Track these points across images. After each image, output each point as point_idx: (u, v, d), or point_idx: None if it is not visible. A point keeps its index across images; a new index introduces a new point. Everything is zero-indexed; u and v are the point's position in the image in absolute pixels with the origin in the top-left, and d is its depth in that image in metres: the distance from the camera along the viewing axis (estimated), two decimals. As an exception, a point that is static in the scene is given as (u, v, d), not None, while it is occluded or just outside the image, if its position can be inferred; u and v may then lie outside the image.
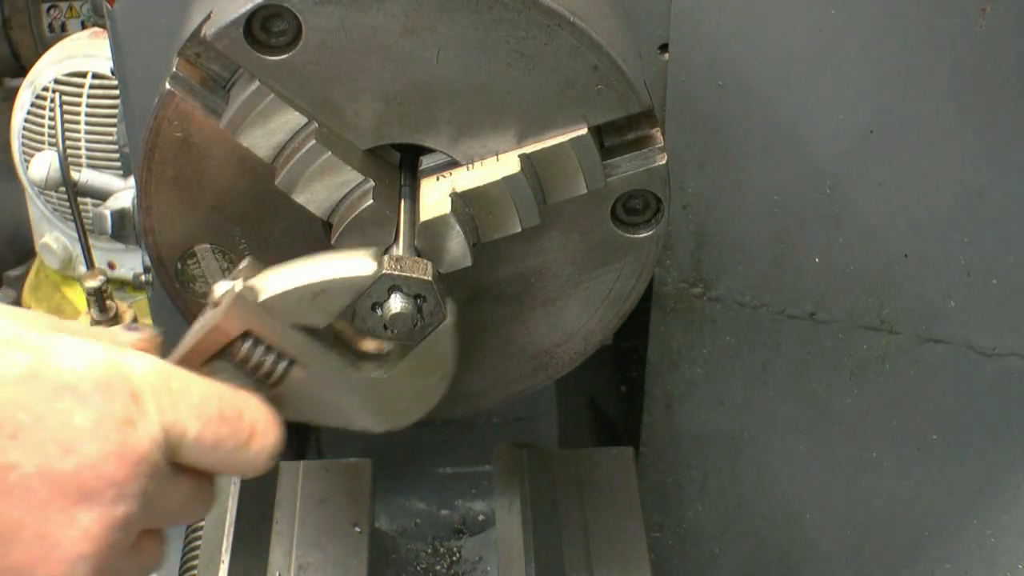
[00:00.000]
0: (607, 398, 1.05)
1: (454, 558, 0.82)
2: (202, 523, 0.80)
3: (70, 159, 1.68)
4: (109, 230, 1.29)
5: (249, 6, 0.57)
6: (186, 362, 0.59)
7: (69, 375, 0.53)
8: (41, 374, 0.52)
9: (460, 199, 0.61)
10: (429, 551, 0.82)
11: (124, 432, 0.53)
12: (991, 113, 0.79)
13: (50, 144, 2.02)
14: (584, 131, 0.61)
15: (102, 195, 1.46)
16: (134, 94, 0.79)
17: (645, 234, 0.65)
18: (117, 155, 1.83)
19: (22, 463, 0.51)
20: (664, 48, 0.79)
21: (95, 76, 2.01)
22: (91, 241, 1.57)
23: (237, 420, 0.57)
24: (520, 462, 0.81)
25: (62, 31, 2.40)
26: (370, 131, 0.62)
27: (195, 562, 0.79)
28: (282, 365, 0.60)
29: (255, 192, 0.64)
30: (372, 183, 0.61)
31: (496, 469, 0.82)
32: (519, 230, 0.63)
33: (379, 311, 0.58)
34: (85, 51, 2.06)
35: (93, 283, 1.46)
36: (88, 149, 2.01)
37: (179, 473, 0.56)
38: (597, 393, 1.05)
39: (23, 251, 2.43)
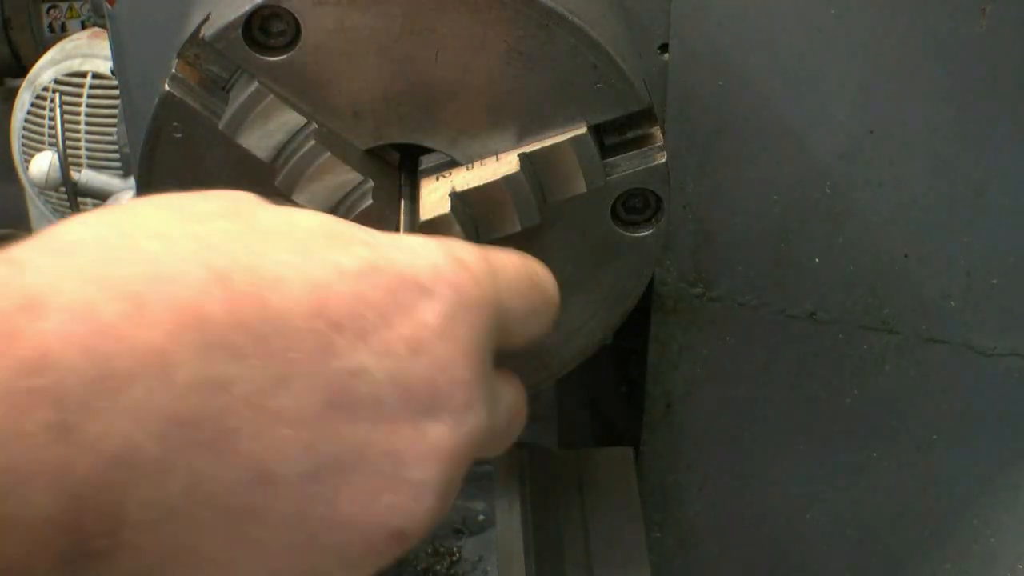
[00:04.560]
0: (607, 398, 1.05)
1: (454, 558, 0.82)
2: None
3: (70, 159, 1.68)
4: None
5: (248, 7, 0.57)
6: None
7: (406, 266, 0.45)
8: (381, 267, 0.44)
9: (460, 199, 0.61)
10: (428, 551, 0.82)
11: (470, 325, 0.46)
12: (991, 113, 0.79)
13: (50, 144, 2.03)
14: (584, 130, 0.61)
15: (102, 195, 1.46)
16: (134, 94, 0.79)
17: (645, 233, 0.65)
18: (117, 155, 1.84)
19: (371, 369, 0.43)
20: (664, 48, 0.79)
21: (95, 76, 2.02)
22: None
23: (537, 275, 0.52)
24: (520, 462, 0.81)
25: (62, 31, 2.40)
26: (370, 131, 0.62)
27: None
28: None
29: (255, 193, 0.64)
30: (372, 183, 0.61)
31: (496, 469, 0.82)
32: (519, 229, 0.63)
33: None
34: (85, 51, 2.06)
35: (93, 283, 1.46)
36: (88, 149, 2.01)
37: (498, 373, 0.49)
38: (597, 393, 1.05)
39: (23, 251, 2.43)
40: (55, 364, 0.37)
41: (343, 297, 0.43)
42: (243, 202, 0.47)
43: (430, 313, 0.45)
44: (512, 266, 0.51)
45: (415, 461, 0.44)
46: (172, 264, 0.41)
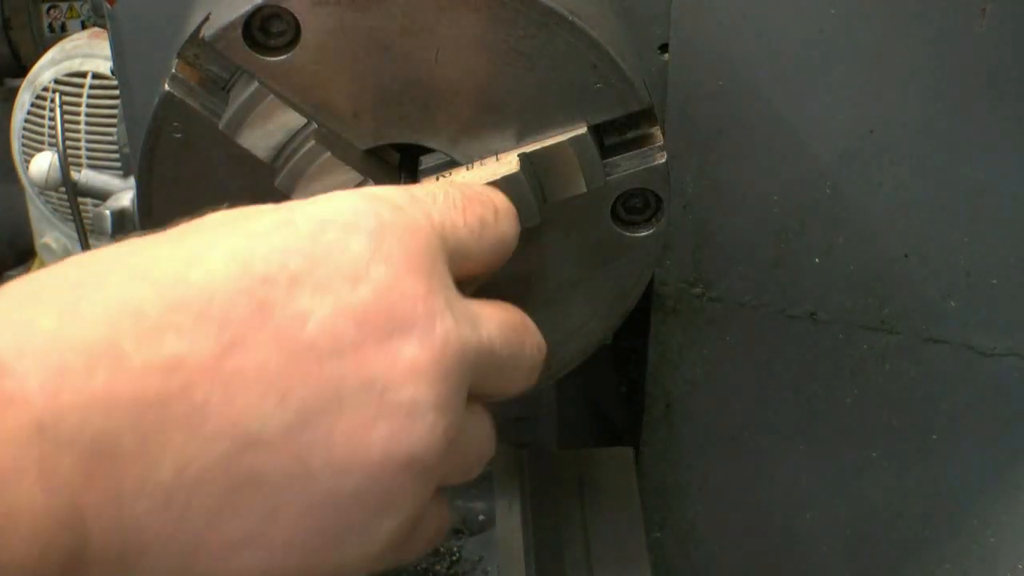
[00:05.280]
0: (607, 398, 1.05)
1: (454, 558, 0.82)
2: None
3: (70, 159, 1.68)
4: (109, 230, 1.30)
5: (248, 7, 0.57)
6: None
7: (323, 212, 0.46)
8: (294, 220, 0.46)
9: (460, 199, 0.61)
10: (428, 551, 0.82)
11: (404, 245, 0.46)
12: (991, 113, 0.79)
13: (50, 144, 2.03)
14: (584, 130, 0.61)
15: (102, 195, 1.46)
16: (134, 94, 0.79)
17: (646, 233, 0.65)
18: (117, 155, 1.84)
19: (314, 308, 0.43)
20: (664, 48, 0.79)
21: (95, 76, 2.02)
22: (91, 241, 1.57)
23: (479, 194, 0.53)
24: (520, 462, 0.81)
25: (62, 31, 2.40)
26: (369, 131, 0.62)
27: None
28: None
29: (255, 193, 0.64)
30: (372, 183, 0.61)
31: (496, 469, 0.82)
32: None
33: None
34: (85, 51, 2.06)
35: (93, 283, 1.46)
36: (88, 149, 2.01)
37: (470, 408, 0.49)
38: (597, 393, 1.05)
39: (23, 251, 2.44)
40: (12, 372, 0.38)
41: (263, 254, 0.44)
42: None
43: (357, 244, 0.45)
44: (439, 188, 0.52)
45: (397, 383, 0.44)
46: (95, 275, 0.42)
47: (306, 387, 0.43)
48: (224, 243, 0.45)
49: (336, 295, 0.44)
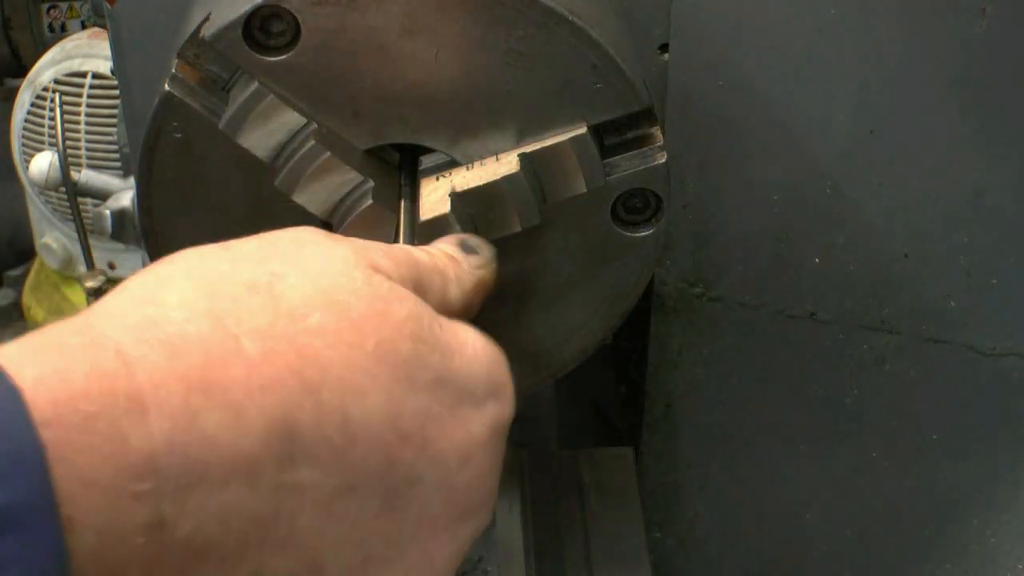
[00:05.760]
0: (607, 398, 1.05)
1: (454, 558, 0.82)
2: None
3: (70, 159, 1.68)
4: (109, 230, 1.30)
5: (248, 7, 0.57)
6: None
7: (468, 380, 0.49)
8: (446, 380, 0.48)
9: (460, 199, 0.61)
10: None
11: (504, 435, 0.51)
12: (991, 113, 0.79)
13: (50, 144, 2.03)
14: (584, 130, 0.61)
15: (102, 195, 1.46)
16: (134, 94, 0.79)
17: (645, 233, 0.65)
18: (117, 155, 1.84)
19: (424, 478, 0.47)
20: (664, 48, 0.79)
21: (95, 76, 2.02)
22: (91, 241, 1.57)
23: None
24: (520, 462, 0.81)
25: (62, 31, 2.40)
26: (369, 131, 0.62)
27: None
28: None
29: (255, 193, 0.64)
30: (372, 183, 0.61)
31: (496, 469, 0.82)
32: (519, 230, 0.63)
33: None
34: (85, 51, 2.06)
35: (93, 283, 1.46)
36: (88, 149, 2.02)
37: None
38: (597, 393, 1.05)
39: (23, 251, 2.44)
40: (158, 471, 0.38)
41: (413, 411, 0.46)
42: (339, 279, 0.47)
43: (479, 426, 0.49)
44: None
45: (443, 565, 0.49)
46: (269, 372, 0.42)
47: (382, 541, 0.46)
48: (390, 378, 0.46)
49: (445, 471, 0.48)
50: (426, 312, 0.48)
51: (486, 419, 0.49)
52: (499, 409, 0.50)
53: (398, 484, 0.46)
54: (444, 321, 0.49)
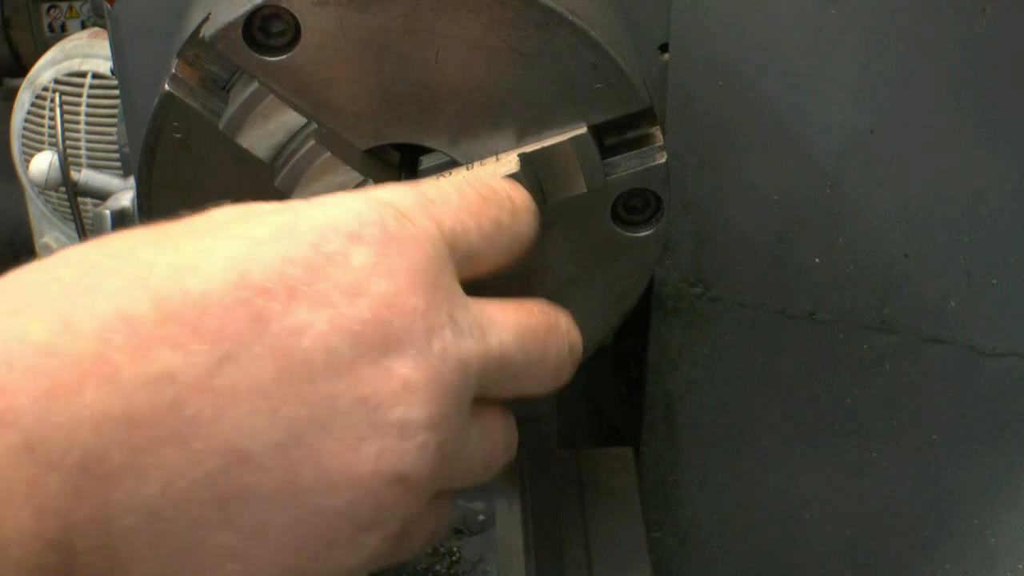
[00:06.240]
0: (607, 398, 1.05)
1: (454, 558, 0.82)
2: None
3: (70, 159, 1.68)
4: (109, 230, 1.29)
5: (248, 7, 0.57)
6: None
7: (327, 218, 0.45)
8: (297, 225, 0.45)
9: (460, 199, 0.61)
10: (429, 551, 0.82)
11: (408, 257, 0.45)
12: (991, 113, 0.79)
13: (50, 144, 2.03)
14: (584, 130, 0.61)
15: (102, 195, 1.46)
16: (134, 94, 0.79)
17: (646, 233, 0.65)
18: (117, 155, 1.84)
19: (312, 322, 0.42)
20: (664, 48, 0.79)
21: (95, 76, 2.02)
22: (91, 241, 1.57)
23: (497, 193, 0.52)
24: (520, 462, 0.81)
25: (62, 31, 2.40)
26: (370, 131, 0.62)
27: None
28: None
29: (255, 193, 0.64)
30: (372, 183, 0.61)
31: (496, 469, 0.82)
32: (519, 230, 0.62)
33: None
34: (85, 51, 2.06)
35: (93, 283, 1.46)
36: (88, 149, 2.02)
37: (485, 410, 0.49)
38: (597, 393, 1.05)
39: (23, 251, 2.44)
40: (3, 388, 0.37)
41: (263, 263, 0.43)
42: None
43: (359, 256, 0.44)
44: (453, 187, 0.51)
45: (389, 401, 0.43)
46: (90, 279, 0.41)
47: (298, 404, 0.42)
48: (223, 249, 0.44)
49: (334, 310, 0.43)
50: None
51: (364, 247, 0.45)
52: (379, 233, 0.45)
53: (279, 337, 0.42)
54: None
